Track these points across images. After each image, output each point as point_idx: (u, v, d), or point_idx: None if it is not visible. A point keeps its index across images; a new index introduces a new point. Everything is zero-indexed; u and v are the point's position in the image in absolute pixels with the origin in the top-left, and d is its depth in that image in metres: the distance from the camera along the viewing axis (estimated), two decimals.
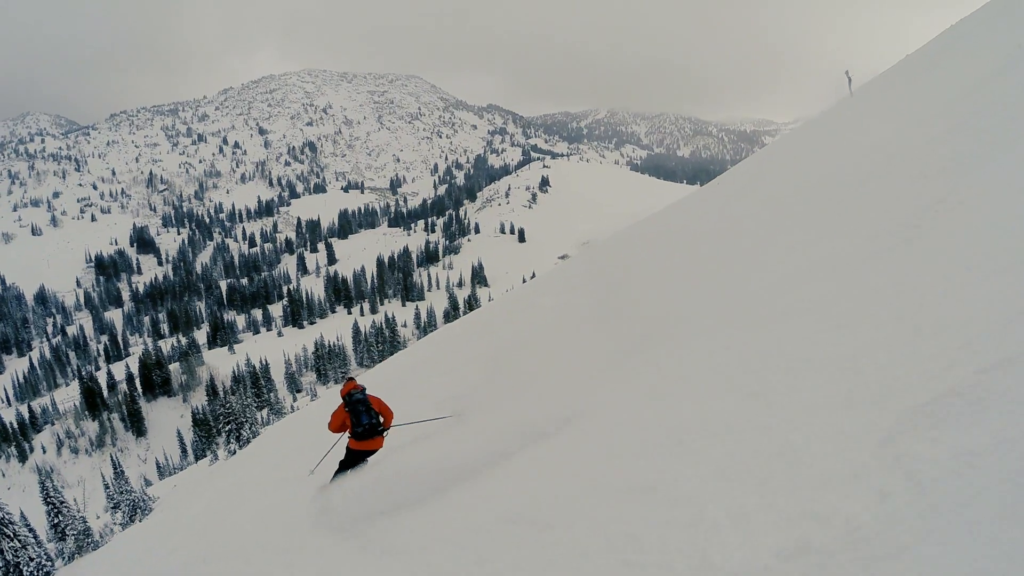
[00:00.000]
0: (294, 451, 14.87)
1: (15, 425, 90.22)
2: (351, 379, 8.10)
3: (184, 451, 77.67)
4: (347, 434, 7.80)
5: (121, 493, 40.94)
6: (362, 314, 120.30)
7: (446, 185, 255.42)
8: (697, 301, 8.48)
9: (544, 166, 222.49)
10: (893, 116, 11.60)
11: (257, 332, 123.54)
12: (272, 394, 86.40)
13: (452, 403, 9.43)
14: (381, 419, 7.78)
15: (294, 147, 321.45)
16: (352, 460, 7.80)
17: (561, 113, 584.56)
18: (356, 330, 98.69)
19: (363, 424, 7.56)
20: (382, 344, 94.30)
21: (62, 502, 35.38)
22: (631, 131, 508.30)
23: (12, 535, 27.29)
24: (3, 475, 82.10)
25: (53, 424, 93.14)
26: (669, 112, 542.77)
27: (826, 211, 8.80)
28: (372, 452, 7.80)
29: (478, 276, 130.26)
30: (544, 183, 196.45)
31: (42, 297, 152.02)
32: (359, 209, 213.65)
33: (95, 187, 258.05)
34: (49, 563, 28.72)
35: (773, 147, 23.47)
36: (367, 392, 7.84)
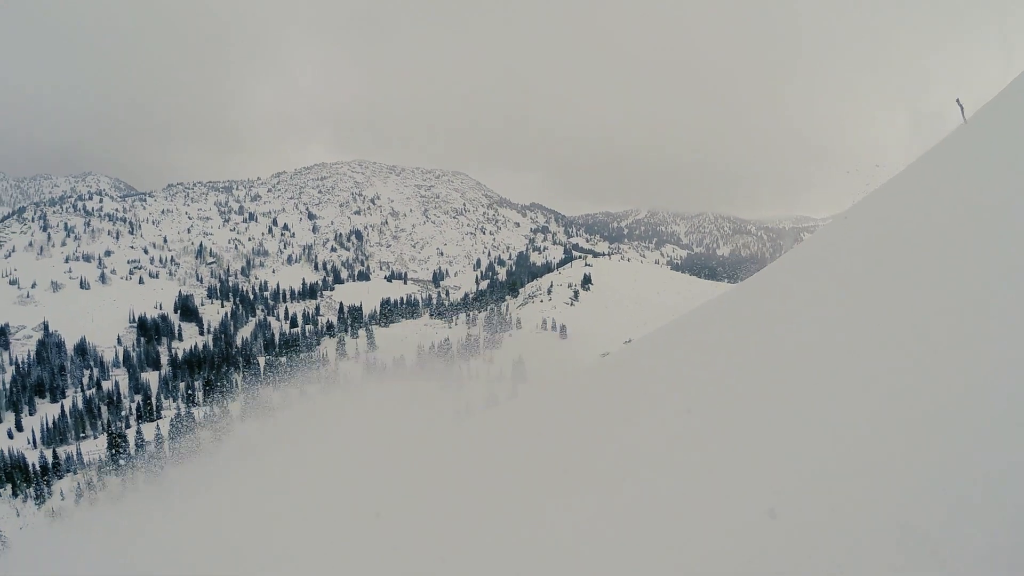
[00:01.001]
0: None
1: (37, 467, 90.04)
2: None
3: None
4: None
5: None
6: None
7: (488, 280, 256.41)
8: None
9: (586, 264, 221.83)
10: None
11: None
12: None
13: None
14: None
15: (341, 234, 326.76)
16: None
17: (602, 213, 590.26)
18: None
19: None
20: None
21: None
22: (671, 231, 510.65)
23: None
24: (18, 514, 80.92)
25: (76, 473, 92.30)
26: (708, 212, 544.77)
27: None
28: None
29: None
30: (586, 281, 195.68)
31: (82, 348, 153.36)
32: (401, 299, 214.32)
33: (146, 251, 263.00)
34: None
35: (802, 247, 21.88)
36: None
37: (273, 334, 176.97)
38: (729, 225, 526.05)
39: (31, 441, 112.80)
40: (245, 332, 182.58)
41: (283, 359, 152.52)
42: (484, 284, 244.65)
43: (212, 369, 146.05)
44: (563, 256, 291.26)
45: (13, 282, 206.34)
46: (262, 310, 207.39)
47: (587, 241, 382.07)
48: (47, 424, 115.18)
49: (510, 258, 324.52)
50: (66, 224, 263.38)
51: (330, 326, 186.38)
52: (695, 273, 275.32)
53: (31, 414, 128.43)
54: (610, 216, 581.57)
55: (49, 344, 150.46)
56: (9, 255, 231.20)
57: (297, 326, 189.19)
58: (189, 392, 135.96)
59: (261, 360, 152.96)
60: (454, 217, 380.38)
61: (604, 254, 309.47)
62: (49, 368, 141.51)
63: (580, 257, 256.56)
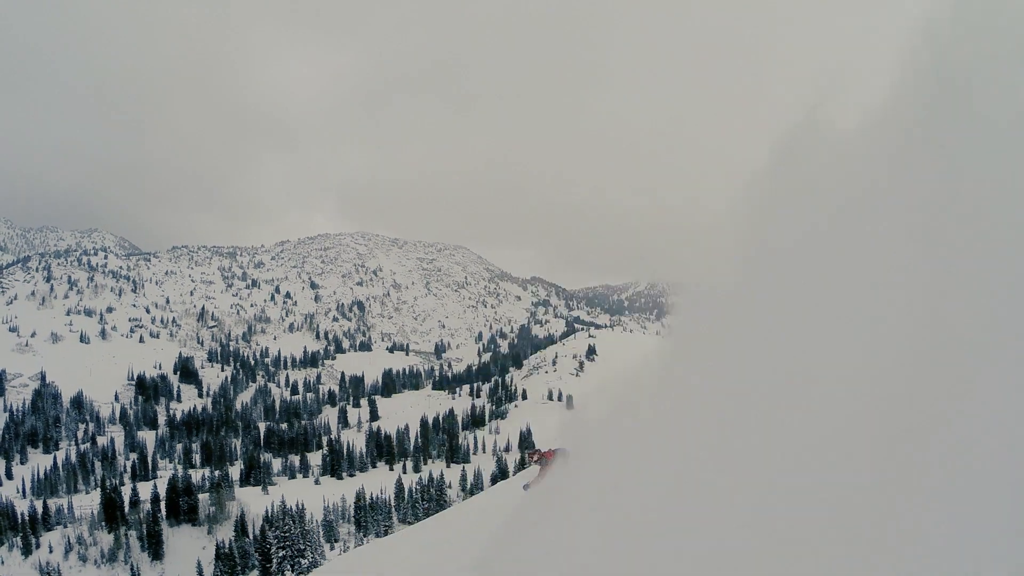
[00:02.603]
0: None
1: (26, 516, 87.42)
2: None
3: None
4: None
5: None
6: (404, 471, 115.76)
7: (490, 352, 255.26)
8: None
9: (590, 336, 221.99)
10: None
11: (293, 477, 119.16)
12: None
13: None
14: None
15: (343, 304, 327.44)
16: None
17: (602, 286, 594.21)
18: (399, 486, 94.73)
19: None
20: (428, 502, 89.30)
21: None
22: (671, 302, 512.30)
23: None
24: (2, 562, 78.50)
25: (66, 527, 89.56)
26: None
27: None
28: None
29: (526, 441, 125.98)
30: (591, 351, 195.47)
31: (79, 402, 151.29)
32: (403, 370, 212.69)
33: (148, 311, 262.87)
34: None
35: None
36: None
37: (274, 400, 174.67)
38: None
39: (20, 490, 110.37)
40: (245, 397, 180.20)
41: (284, 425, 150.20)
42: (486, 356, 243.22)
43: (211, 432, 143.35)
44: (565, 329, 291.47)
45: (13, 329, 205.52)
46: (263, 376, 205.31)
47: (588, 313, 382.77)
48: (39, 474, 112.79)
49: (512, 331, 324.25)
50: (70, 277, 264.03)
51: (331, 395, 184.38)
52: None
53: (23, 463, 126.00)
54: (610, 288, 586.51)
55: (45, 394, 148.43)
56: (11, 302, 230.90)
57: (298, 393, 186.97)
58: (187, 454, 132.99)
59: (261, 426, 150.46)
60: (456, 290, 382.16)
61: (605, 326, 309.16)
62: (44, 418, 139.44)
63: (583, 329, 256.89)
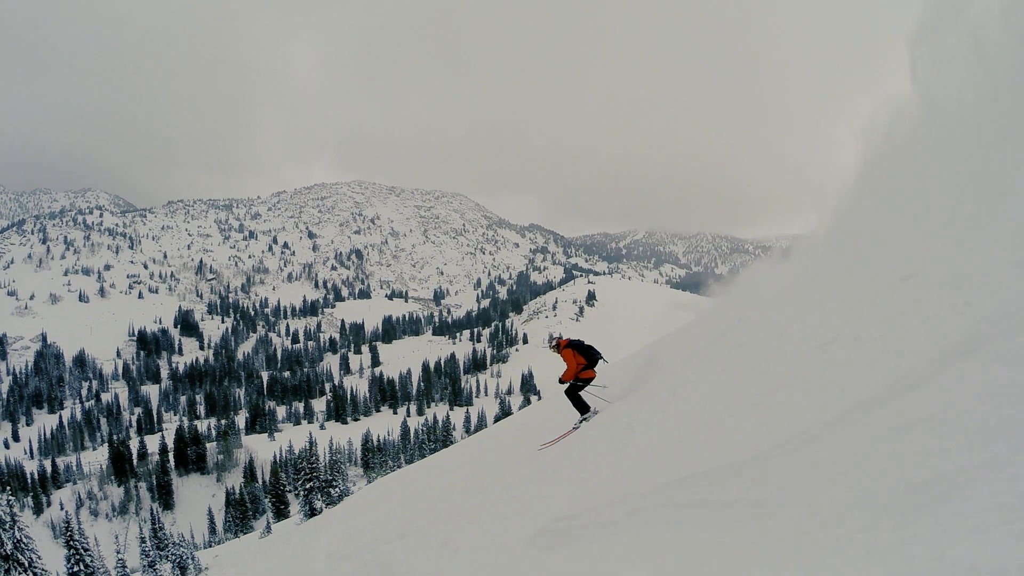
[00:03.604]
0: (409, 502, 12.93)
1: (35, 476, 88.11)
2: (560, 337, 10.39)
3: (213, 530, 73.28)
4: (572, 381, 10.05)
5: (163, 548, 36.79)
6: (408, 415, 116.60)
7: (489, 299, 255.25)
8: None
9: (589, 282, 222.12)
10: None
11: (298, 423, 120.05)
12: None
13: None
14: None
15: (341, 253, 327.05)
16: (581, 387, 10.15)
17: (600, 234, 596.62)
18: (405, 428, 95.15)
19: (596, 355, 10.16)
20: (434, 443, 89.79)
21: (86, 549, 30.87)
22: (669, 251, 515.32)
23: (27, 563, 23.04)
24: (14, 521, 78.71)
25: (75, 483, 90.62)
26: (706, 232, 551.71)
27: None
28: (592, 380, 10.25)
29: (528, 384, 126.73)
30: (591, 297, 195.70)
31: (81, 360, 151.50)
32: (403, 317, 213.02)
33: (146, 266, 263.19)
34: None
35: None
36: None
37: (275, 349, 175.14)
38: (727, 244, 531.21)
39: (28, 451, 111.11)
40: (246, 347, 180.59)
41: (286, 374, 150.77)
42: (486, 302, 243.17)
43: (214, 383, 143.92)
44: (563, 275, 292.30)
45: (11, 293, 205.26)
46: (263, 326, 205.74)
47: (586, 261, 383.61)
48: (45, 434, 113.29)
49: (510, 277, 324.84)
50: (66, 237, 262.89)
51: (332, 342, 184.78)
52: (694, 291, 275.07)
53: (28, 424, 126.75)
54: (608, 237, 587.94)
55: (47, 355, 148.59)
56: (8, 267, 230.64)
57: (299, 342, 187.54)
58: (191, 406, 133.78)
59: (264, 375, 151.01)
60: (454, 237, 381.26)
61: (604, 273, 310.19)
62: (47, 379, 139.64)
63: (581, 276, 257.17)
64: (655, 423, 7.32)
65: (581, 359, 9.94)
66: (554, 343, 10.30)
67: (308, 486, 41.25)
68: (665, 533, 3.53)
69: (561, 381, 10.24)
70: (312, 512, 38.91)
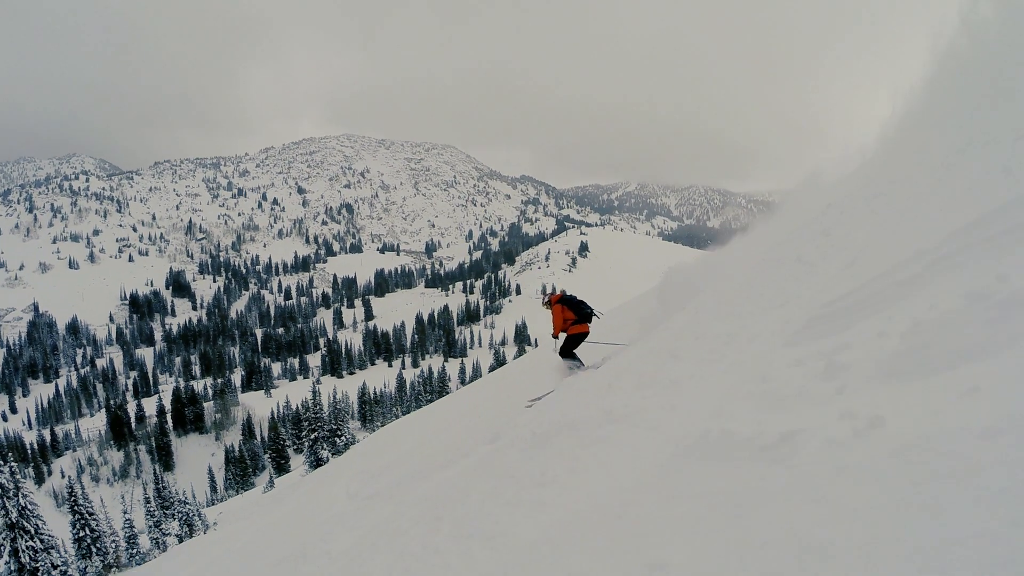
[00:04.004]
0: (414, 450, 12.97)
1: (35, 446, 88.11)
2: (552, 293, 10.20)
3: (214, 488, 73.80)
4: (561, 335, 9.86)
5: (168, 507, 36.97)
6: (404, 367, 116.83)
7: (481, 251, 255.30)
8: None
9: (582, 233, 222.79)
10: None
11: (294, 379, 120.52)
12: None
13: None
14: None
15: (331, 207, 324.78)
16: (575, 343, 9.87)
17: (592, 186, 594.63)
18: (400, 380, 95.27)
19: (586, 311, 9.81)
20: (431, 394, 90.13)
21: (91, 513, 30.86)
22: (661, 203, 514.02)
23: (34, 531, 22.99)
24: (18, 488, 79.09)
25: (75, 450, 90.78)
26: (698, 184, 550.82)
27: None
28: (586, 335, 9.92)
29: (522, 335, 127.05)
30: (583, 248, 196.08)
31: (74, 327, 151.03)
32: (395, 270, 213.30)
33: (135, 229, 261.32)
34: None
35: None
36: None
37: (268, 306, 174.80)
38: (719, 198, 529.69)
39: (26, 422, 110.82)
40: (239, 305, 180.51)
41: (280, 330, 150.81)
42: (478, 254, 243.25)
43: (208, 343, 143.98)
44: (555, 227, 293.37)
45: (1, 264, 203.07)
46: (255, 283, 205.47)
47: (578, 213, 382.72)
48: (42, 404, 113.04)
49: (502, 229, 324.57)
50: (52, 205, 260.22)
51: (325, 297, 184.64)
52: (686, 244, 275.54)
53: (25, 395, 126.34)
54: (600, 188, 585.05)
55: (40, 325, 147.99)
56: None
57: (291, 298, 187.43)
58: (186, 366, 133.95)
59: (258, 332, 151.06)
60: (444, 189, 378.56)
61: (596, 225, 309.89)
62: (41, 349, 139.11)
63: (573, 227, 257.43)
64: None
65: (570, 314, 9.75)
66: (546, 299, 10.19)
67: (313, 436, 41.31)
68: None
69: (553, 336, 9.99)
70: (318, 462, 39.05)
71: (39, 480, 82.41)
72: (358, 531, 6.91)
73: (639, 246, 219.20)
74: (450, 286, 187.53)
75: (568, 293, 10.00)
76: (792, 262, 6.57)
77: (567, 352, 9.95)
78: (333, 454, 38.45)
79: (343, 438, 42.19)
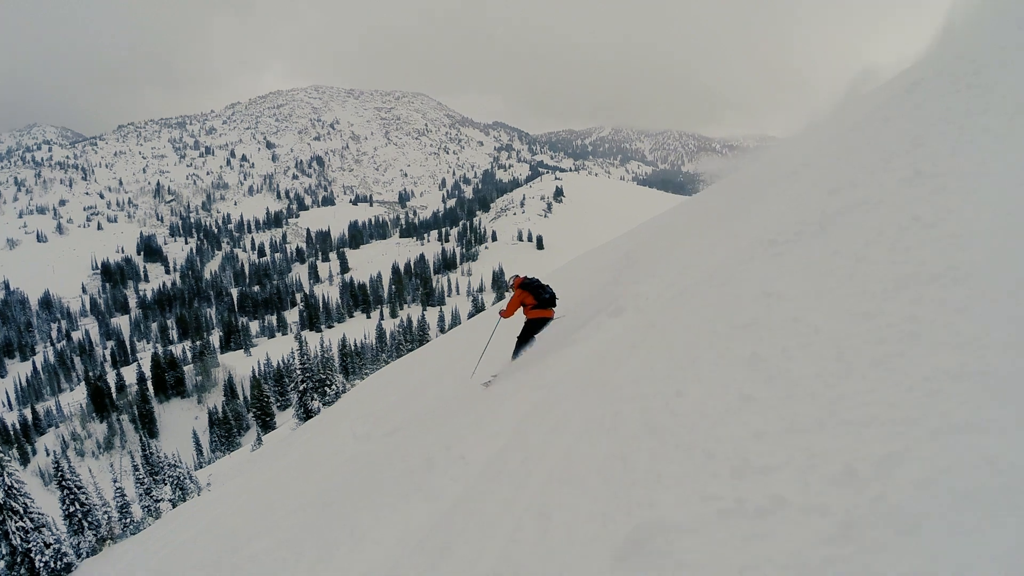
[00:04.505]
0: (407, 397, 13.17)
1: (17, 426, 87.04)
2: (517, 276, 9.82)
3: (200, 451, 73.80)
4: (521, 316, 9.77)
5: (157, 473, 36.65)
6: (382, 318, 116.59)
7: (455, 199, 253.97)
8: None
9: (556, 178, 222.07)
10: None
11: (272, 336, 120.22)
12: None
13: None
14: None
15: (301, 161, 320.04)
16: (531, 331, 9.45)
17: (565, 131, 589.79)
18: (380, 331, 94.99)
19: (545, 296, 9.36)
20: (411, 343, 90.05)
21: (79, 487, 30.32)
22: (635, 148, 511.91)
23: (23, 510, 22.53)
24: (2, 467, 78.73)
25: (58, 427, 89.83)
26: (673, 129, 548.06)
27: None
28: (549, 320, 9.50)
29: (499, 281, 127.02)
30: (559, 193, 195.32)
31: (47, 302, 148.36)
32: (369, 221, 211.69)
33: (102, 196, 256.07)
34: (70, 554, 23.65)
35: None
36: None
37: (242, 265, 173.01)
38: (694, 143, 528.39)
39: (6, 403, 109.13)
40: (212, 266, 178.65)
41: (256, 288, 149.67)
42: (451, 202, 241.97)
43: (183, 306, 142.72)
44: (529, 173, 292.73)
45: None
46: (227, 243, 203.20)
47: (552, 159, 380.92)
48: (20, 383, 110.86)
49: (476, 176, 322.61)
50: (15, 178, 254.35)
51: (300, 252, 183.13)
52: (661, 189, 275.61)
53: (2, 377, 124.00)
54: (574, 134, 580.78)
55: (12, 303, 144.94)
56: None
57: (265, 255, 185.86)
58: (163, 331, 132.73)
59: (234, 292, 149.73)
60: (416, 138, 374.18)
61: (570, 170, 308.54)
62: (15, 327, 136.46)
63: (547, 172, 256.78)
64: None
65: (529, 298, 9.38)
66: (511, 282, 9.85)
67: (302, 387, 40.70)
68: None
69: (503, 316, 9.70)
70: (308, 414, 38.68)
71: (24, 461, 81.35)
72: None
73: (615, 191, 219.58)
74: (425, 235, 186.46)
75: (531, 277, 9.63)
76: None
77: (524, 338, 9.59)
78: (324, 404, 38.12)
79: (333, 388, 41.72)
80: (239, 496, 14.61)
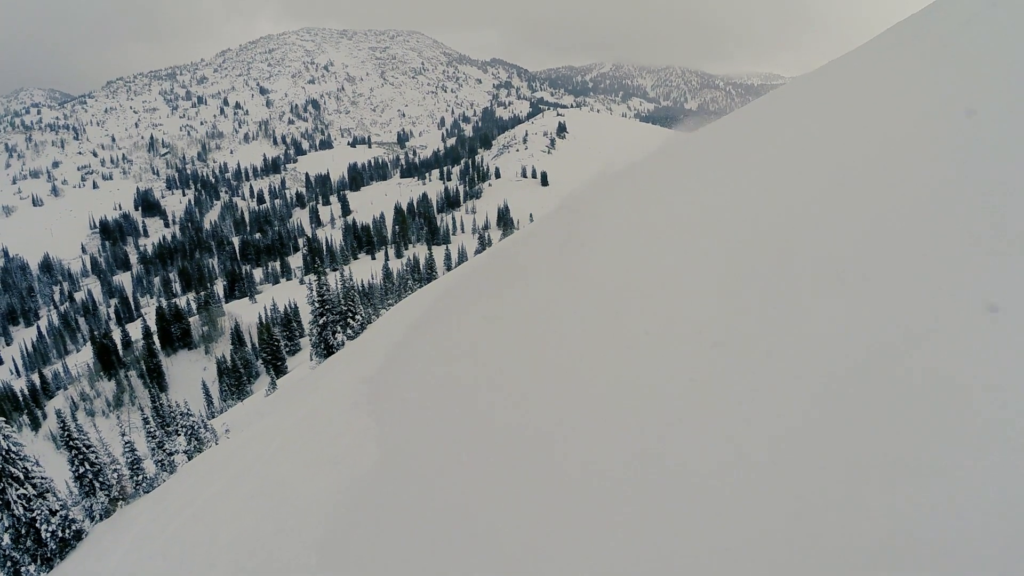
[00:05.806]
0: None
1: (26, 392, 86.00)
2: None
3: (210, 402, 72.16)
4: None
5: (169, 425, 34.55)
6: (387, 258, 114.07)
7: (455, 137, 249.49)
8: None
9: (558, 114, 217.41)
10: None
11: (277, 282, 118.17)
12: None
13: None
14: None
15: (297, 105, 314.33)
16: None
17: (565, 67, 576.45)
18: (387, 271, 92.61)
19: None
20: (419, 281, 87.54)
21: (88, 446, 27.93)
22: (637, 84, 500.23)
23: (23, 476, 19.90)
24: None
25: (66, 389, 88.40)
26: (675, 65, 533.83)
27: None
28: None
29: (504, 218, 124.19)
30: (561, 129, 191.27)
31: (47, 265, 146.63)
32: (369, 162, 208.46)
33: (95, 154, 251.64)
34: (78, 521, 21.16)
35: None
36: None
37: (242, 213, 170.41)
38: (697, 79, 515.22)
39: (14, 370, 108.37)
40: (212, 216, 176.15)
41: (257, 235, 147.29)
42: (452, 141, 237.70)
43: (185, 258, 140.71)
44: (529, 110, 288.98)
45: None
46: (226, 191, 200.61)
47: (552, 95, 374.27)
48: (26, 349, 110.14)
49: (475, 114, 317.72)
50: (7, 145, 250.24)
51: (300, 197, 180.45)
52: (663, 125, 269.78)
53: (7, 344, 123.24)
54: (574, 70, 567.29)
55: (12, 269, 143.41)
56: None
57: (265, 202, 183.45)
58: (166, 285, 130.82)
59: (235, 240, 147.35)
60: (413, 77, 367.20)
61: (571, 106, 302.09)
62: (17, 293, 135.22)
63: (548, 109, 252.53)
64: None
65: None
66: None
67: (322, 322, 37.90)
68: None
69: None
70: (329, 351, 36.00)
71: (35, 426, 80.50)
72: None
73: (618, 126, 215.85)
74: (426, 174, 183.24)
75: None
76: None
77: None
78: (348, 338, 35.38)
79: (357, 319, 38.82)
80: (275, 438, 13.09)
